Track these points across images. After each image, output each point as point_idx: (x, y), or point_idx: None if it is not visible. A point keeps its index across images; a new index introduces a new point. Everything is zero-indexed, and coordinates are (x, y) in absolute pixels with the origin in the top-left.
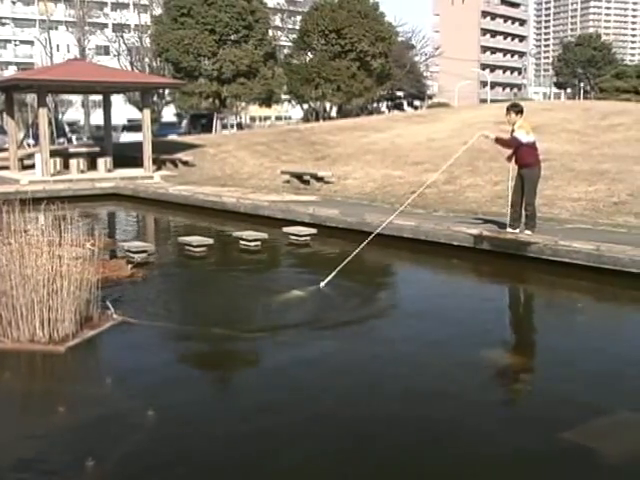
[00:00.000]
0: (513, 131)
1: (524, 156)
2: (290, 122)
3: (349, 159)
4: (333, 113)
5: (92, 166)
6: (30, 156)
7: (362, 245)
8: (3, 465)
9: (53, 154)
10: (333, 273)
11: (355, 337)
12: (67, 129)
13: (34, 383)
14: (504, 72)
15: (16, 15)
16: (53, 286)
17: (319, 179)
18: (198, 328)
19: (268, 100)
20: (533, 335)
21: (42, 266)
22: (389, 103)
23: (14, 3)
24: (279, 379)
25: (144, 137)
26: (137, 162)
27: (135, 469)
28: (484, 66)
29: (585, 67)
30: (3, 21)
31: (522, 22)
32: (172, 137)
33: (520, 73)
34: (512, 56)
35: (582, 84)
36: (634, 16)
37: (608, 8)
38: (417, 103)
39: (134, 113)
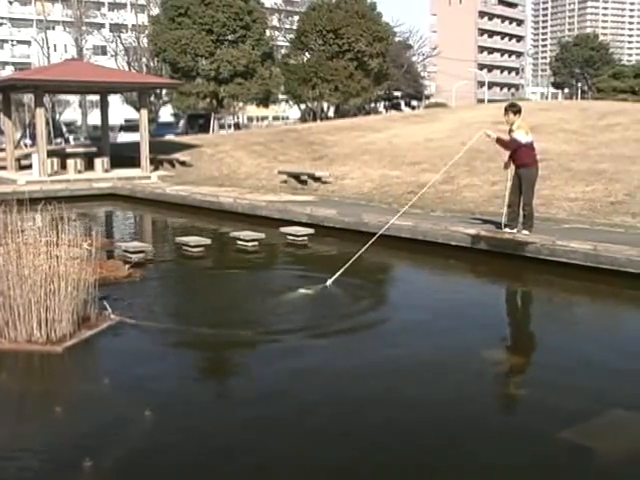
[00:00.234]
0: (511, 131)
1: (522, 156)
2: (287, 122)
3: (346, 159)
4: (330, 113)
5: (89, 166)
6: (27, 156)
7: (367, 245)
8: (0, 465)
9: (50, 154)
10: (339, 272)
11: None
12: (64, 129)
13: (31, 383)
14: (501, 72)
15: (13, 15)
16: (50, 286)
17: (316, 179)
18: (195, 328)
19: (265, 100)
20: (530, 335)
21: (39, 266)
22: (386, 103)
23: (11, 3)
24: (277, 376)
25: (141, 137)
26: (134, 162)
27: (132, 470)
28: (481, 66)
29: (582, 67)
30: (0, 21)
31: (519, 22)
32: (169, 137)
33: (518, 73)
34: (509, 56)
35: (579, 84)
36: (631, 16)
37: (605, 8)
38: (414, 103)
39: (131, 113)
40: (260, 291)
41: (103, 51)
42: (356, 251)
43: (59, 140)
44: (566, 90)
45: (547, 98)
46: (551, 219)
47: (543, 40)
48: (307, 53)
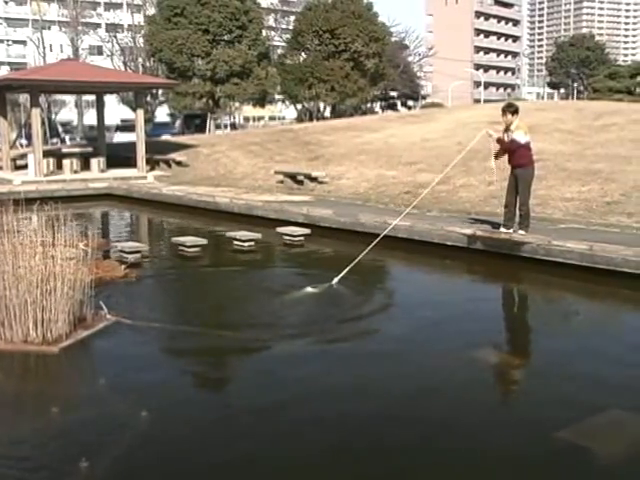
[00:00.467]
0: (507, 129)
1: (520, 156)
2: (284, 122)
3: (343, 159)
4: (327, 113)
5: (85, 166)
6: (23, 156)
7: (372, 245)
8: None
9: (46, 154)
10: (344, 272)
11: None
12: (60, 129)
13: (27, 384)
14: (498, 72)
15: (9, 15)
16: (46, 286)
17: (313, 179)
18: (192, 328)
19: (262, 100)
20: (526, 334)
21: (35, 266)
22: (383, 103)
23: (6, 3)
24: (275, 373)
25: (137, 137)
26: (130, 162)
27: (128, 470)
28: (478, 66)
29: (578, 67)
30: None
31: (515, 22)
32: (165, 137)
33: (514, 73)
34: (506, 56)
35: (575, 84)
36: (627, 16)
37: (601, 9)
38: (411, 103)
39: (127, 113)
40: (257, 291)
41: (99, 51)
42: (353, 251)
43: (55, 140)
44: (562, 90)
45: (543, 98)
46: (547, 219)
47: (539, 40)
48: (303, 53)
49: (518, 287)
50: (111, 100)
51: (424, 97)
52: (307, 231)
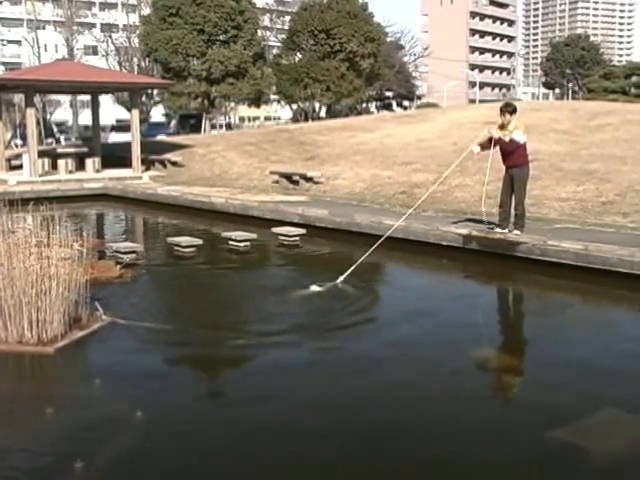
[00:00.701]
0: (503, 127)
1: (517, 156)
2: (279, 122)
3: (338, 159)
4: (322, 113)
5: (80, 166)
6: (18, 156)
7: (375, 245)
8: None
9: (41, 154)
10: (348, 271)
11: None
12: (55, 129)
13: (23, 384)
14: (493, 72)
15: (3, 14)
16: (42, 287)
17: (308, 179)
18: (187, 328)
19: (257, 100)
20: (522, 334)
21: (30, 267)
22: (378, 103)
23: (1, 2)
24: (275, 373)
25: (133, 137)
26: (126, 162)
27: (123, 470)
28: (473, 66)
29: (573, 67)
30: None
31: (511, 23)
32: (161, 137)
33: (509, 73)
34: (501, 56)
35: (570, 84)
36: (621, 17)
37: (596, 9)
38: (406, 103)
39: (122, 113)
40: (254, 291)
41: (94, 51)
42: (349, 251)
43: (50, 140)
44: (557, 90)
45: (538, 98)
46: (542, 219)
47: (534, 40)
48: (299, 53)
49: (513, 287)
50: (106, 100)
51: (419, 97)
52: (303, 231)
